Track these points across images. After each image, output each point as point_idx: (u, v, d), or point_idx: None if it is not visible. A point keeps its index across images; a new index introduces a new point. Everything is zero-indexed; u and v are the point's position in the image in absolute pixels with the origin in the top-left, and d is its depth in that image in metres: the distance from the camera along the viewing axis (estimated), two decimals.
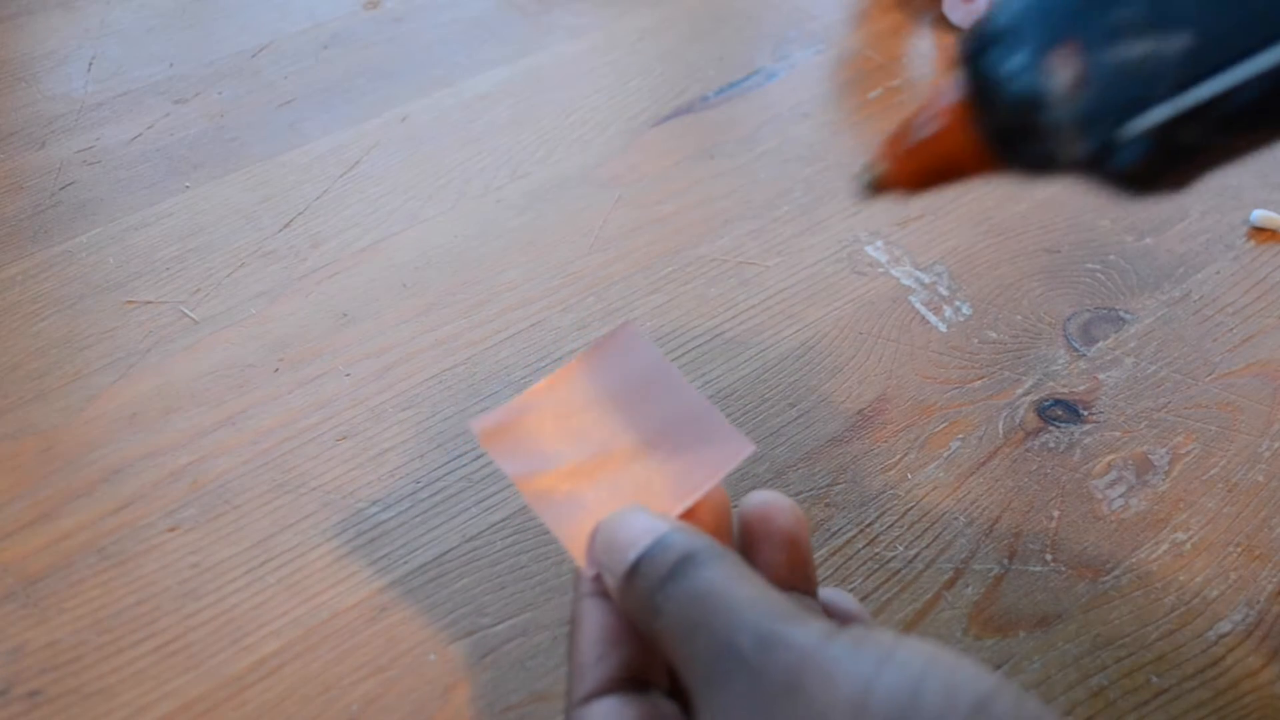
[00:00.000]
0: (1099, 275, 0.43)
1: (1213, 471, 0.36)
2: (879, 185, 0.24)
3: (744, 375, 0.38)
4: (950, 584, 0.32)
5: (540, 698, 0.29)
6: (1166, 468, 0.36)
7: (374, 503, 0.33)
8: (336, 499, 0.34)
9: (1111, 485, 0.35)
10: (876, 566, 0.33)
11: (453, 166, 0.46)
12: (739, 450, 0.25)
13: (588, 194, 0.45)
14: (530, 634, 0.31)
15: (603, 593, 0.23)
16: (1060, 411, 0.38)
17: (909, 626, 0.31)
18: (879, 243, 0.44)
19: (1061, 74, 0.19)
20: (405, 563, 0.32)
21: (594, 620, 0.22)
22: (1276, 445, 0.37)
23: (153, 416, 0.35)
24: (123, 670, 0.29)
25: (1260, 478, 0.36)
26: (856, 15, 0.58)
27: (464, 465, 0.35)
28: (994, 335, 0.40)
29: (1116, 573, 0.33)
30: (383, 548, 0.32)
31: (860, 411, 0.37)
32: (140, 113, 0.48)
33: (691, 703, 0.20)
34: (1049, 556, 0.33)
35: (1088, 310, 0.41)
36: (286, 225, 0.43)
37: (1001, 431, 0.37)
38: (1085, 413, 0.38)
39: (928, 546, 0.33)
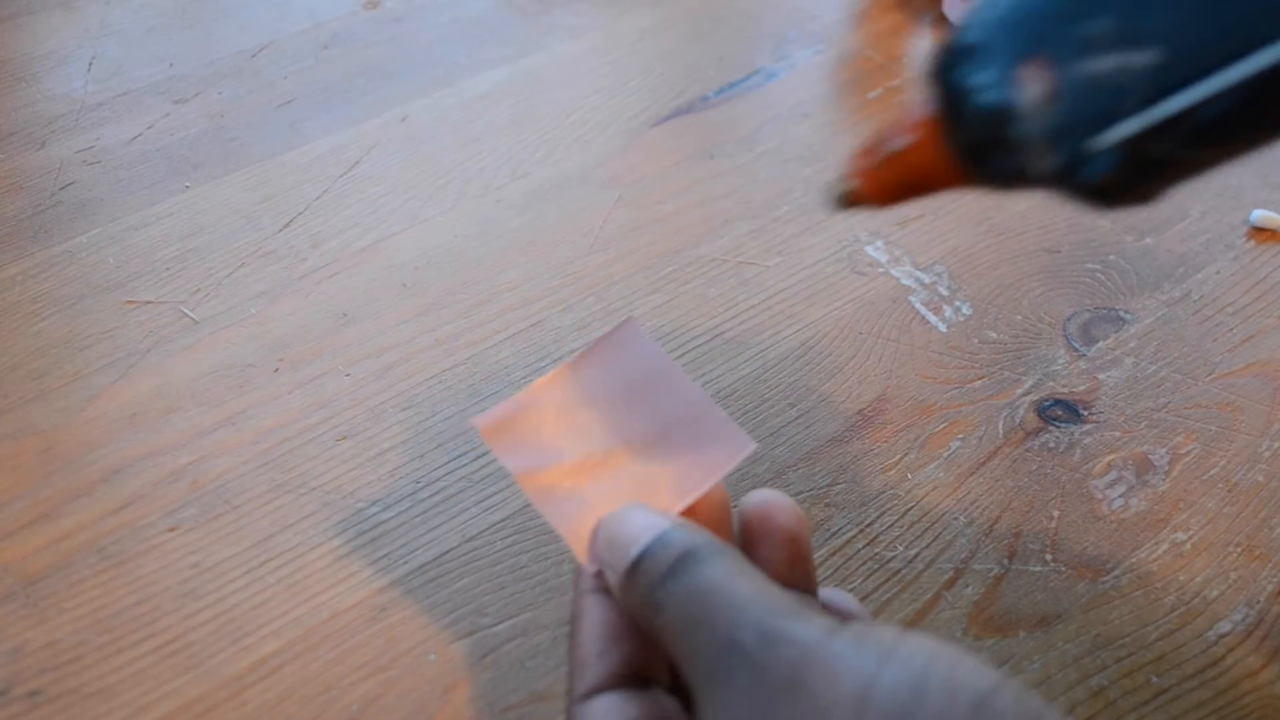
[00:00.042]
0: (1099, 275, 0.43)
1: (1213, 471, 0.36)
2: (850, 199, 0.24)
3: (744, 375, 0.38)
4: (950, 584, 0.32)
5: (540, 698, 0.29)
6: (1166, 468, 0.36)
7: (374, 503, 0.33)
8: (336, 499, 0.34)
9: (1111, 485, 0.35)
10: (876, 566, 0.33)
11: (453, 166, 0.46)
12: (740, 448, 0.25)
13: (588, 194, 0.45)
14: (530, 634, 0.31)
15: (604, 589, 0.23)
16: (1060, 411, 0.38)
17: (909, 626, 0.31)
18: (879, 243, 0.44)
19: (1031, 88, 0.19)
20: (405, 563, 0.32)
21: (595, 616, 0.22)
22: (1276, 445, 0.37)
23: (153, 416, 0.35)
24: (123, 670, 0.29)
25: (1260, 478, 0.36)
26: (856, 15, 0.58)
27: (464, 465, 0.35)
28: (994, 335, 0.40)
29: (1116, 573, 0.33)
30: (383, 548, 0.32)
31: (860, 411, 0.37)
32: (140, 113, 0.48)
33: (693, 699, 0.20)
34: (1049, 556, 0.33)
35: (1088, 310, 0.41)
36: (286, 225, 0.43)
37: (1001, 431, 0.37)
38: (1085, 413, 0.38)
39: (928, 546, 0.33)
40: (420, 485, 0.34)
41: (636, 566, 0.21)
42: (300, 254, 0.42)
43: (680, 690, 0.23)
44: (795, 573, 0.23)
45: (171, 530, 0.32)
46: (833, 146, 0.49)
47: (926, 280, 0.42)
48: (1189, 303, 0.42)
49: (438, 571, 0.32)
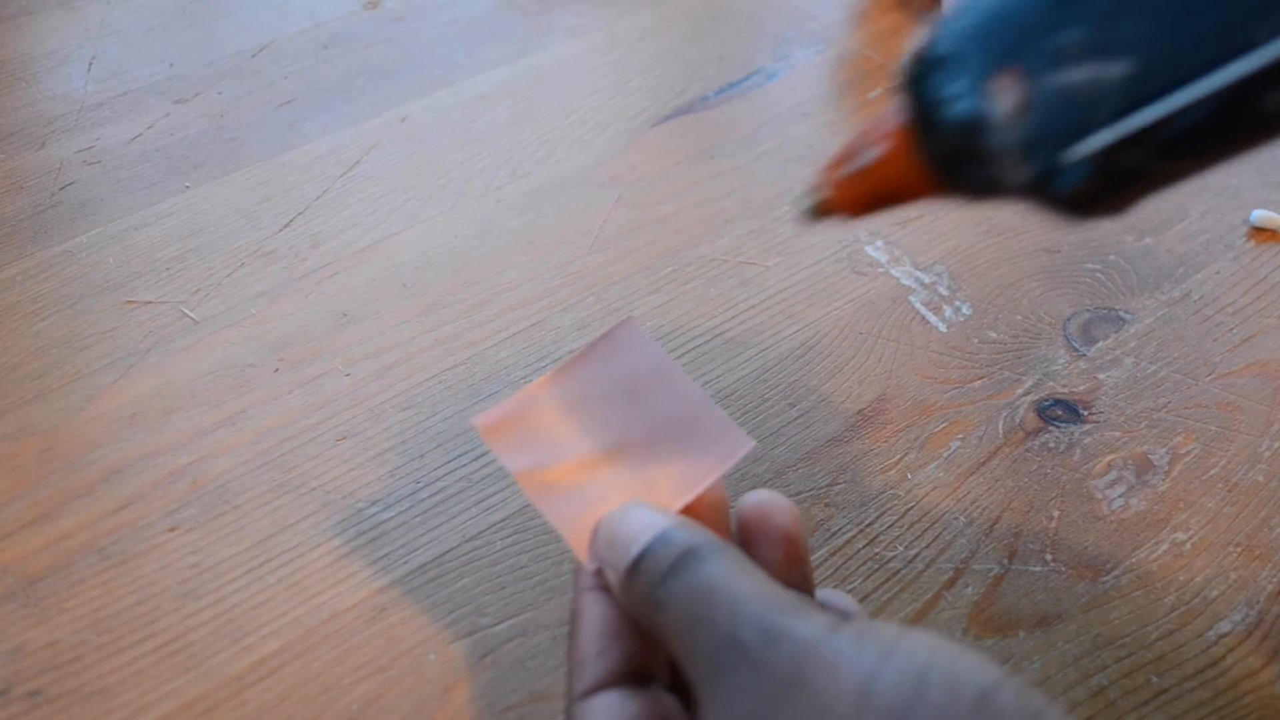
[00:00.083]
0: (1099, 275, 0.43)
1: (1213, 471, 0.36)
2: (821, 210, 0.24)
3: (744, 375, 0.38)
4: (950, 584, 0.32)
5: (540, 698, 0.29)
6: (1166, 468, 0.36)
7: (374, 503, 0.33)
8: (336, 499, 0.34)
9: (1111, 485, 0.35)
10: (876, 566, 0.33)
11: (453, 166, 0.46)
12: (739, 447, 0.25)
13: (588, 194, 0.45)
14: (530, 634, 0.31)
15: (603, 587, 0.23)
16: (1060, 411, 0.38)
17: (909, 626, 0.31)
18: (879, 243, 0.44)
19: (1004, 99, 0.19)
20: (405, 563, 0.32)
21: (595, 614, 0.22)
22: (1276, 445, 0.37)
23: (153, 416, 0.35)
24: (123, 670, 0.29)
25: (1260, 478, 0.36)
26: (856, 15, 0.58)
27: (464, 465, 0.35)
28: (994, 335, 0.40)
29: (1116, 573, 0.33)
30: (383, 548, 0.32)
31: (860, 411, 0.37)
32: (140, 113, 0.48)
33: (694, 696, 0.20)
34: (1049, 556, 0.33)
35: (1088, 310, 0.41)
36: (286, 225, 0.43)
37: (1001, 431, 0.37)
38: (1085, 413, 0.38)
39: (928, 546, 0.33)
40: (420, 485, 0.34)
41: (637, 565, 0.21)
42: (300, 254, 0.42)
43: (680, 688, 0.23)
44: (792, 573, 0.23)
45: (171, 530, 0.32)
46: (833, 146, 0.49)
47: (926, 280, 0.42)
48: (1189, 303, 0.42)
49: (438, 571, 0.32)
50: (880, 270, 0.42)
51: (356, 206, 0.44)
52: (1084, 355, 0.40)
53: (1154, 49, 0.17)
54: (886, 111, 0.22)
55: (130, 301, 0.39)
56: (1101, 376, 0.39)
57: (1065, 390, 0.38)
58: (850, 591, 0.32)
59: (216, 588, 0.31)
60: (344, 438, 0.35)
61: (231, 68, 0.51)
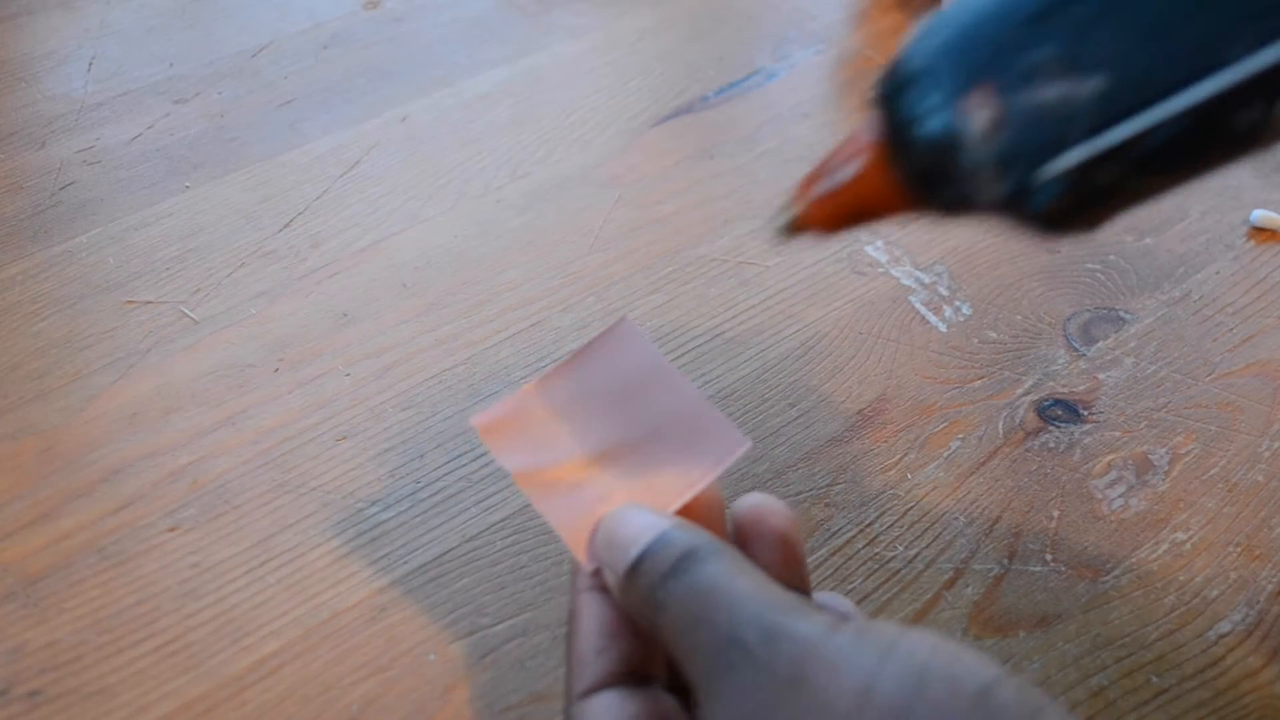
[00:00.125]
0: (1099, 275, 0.43)
1: (1213, 471, 0.36)
2: (796, 226, 0.24)
3: (744, 375, 0.38)
4: (950, 584, 0.32)
5: (540, 698, 0.29)
6: (1166, 468, 0.36)
7: (374, 503, 0.33)
8: (336, 499, 0.34)
9: (1111, 485, 0.35)
10: (876, 566, 0.33)
11: (453, 166, 0.46)
12: (736, 446, 0.25)
13: (588, 194, 0.45)
14: (530, 634, 0.31)
15: (601, 587, 0.23)
16: (1060, 411, 0.38)
17: (908, 626, 0.31)
18: (879, 242, 0.44)
19: (978, 116, 0.19)
20: (405, 563, 0.32)
21: (593, 615, 0.22)
22: (1276, 445, 0.37)
23: (153, 416, 0.35)
24: (123, 670, 0.29)
25: (1260, 478, 0.36)
26: (856, 15, 0.58)
27: (464, 465, 0.35)
28: (994, 335, 0.40)
29: (1116, 573, 0.33)
30: (383, 548, 0.32)
31: (860, 411, 0.37)
32: (140, 113, 0.48)
33: (695, 695, 0.20)
34: (1049, 556, 0.33)
35: (1088, 310, 0.41)
36: (286, 225, 0.43)
37: (1001, 431, 0.37)
38: (1085, 413, 0.38)
39: (928, 546, 0.33)
40: (420, 485, 0.34)
41: (637, 566, 0.21)
42: (300, 254, 0.42)
43: (678, 689, 0.23)
44: (789, 575, 0.23)
45: (171, 530, 0.32)
46: (833, 146, 0.49)
47: (926, 280, 0.42)
48: (1189, 303, 0.42)
49: (438, 571, 0.32)
50: (880, 270, 0.42)
51: (356, 206, 0.44)
52: (1084, 355, 0.40)
53: (1127, 66, 0.17)
54: (860, 128, 0.22)
55: (130, 301, 0.39)
56: (1101, 376, 0.39)
57: (1065, 390, 0.38)
58: (850, 591, 0.32)
59: (216, 588, 0.31)
60: (344, 438, 0.35)
61: (231, 68, 0.51)
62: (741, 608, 0.19)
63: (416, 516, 0.33)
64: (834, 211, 0.23)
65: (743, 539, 0.24)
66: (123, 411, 0.36)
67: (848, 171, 0.22)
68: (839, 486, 0.35)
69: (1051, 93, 0.18)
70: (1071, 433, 0.37)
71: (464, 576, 0.32)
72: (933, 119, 0.19)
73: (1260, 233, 0.45)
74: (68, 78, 0.50)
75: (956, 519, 0.34)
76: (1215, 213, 0.46)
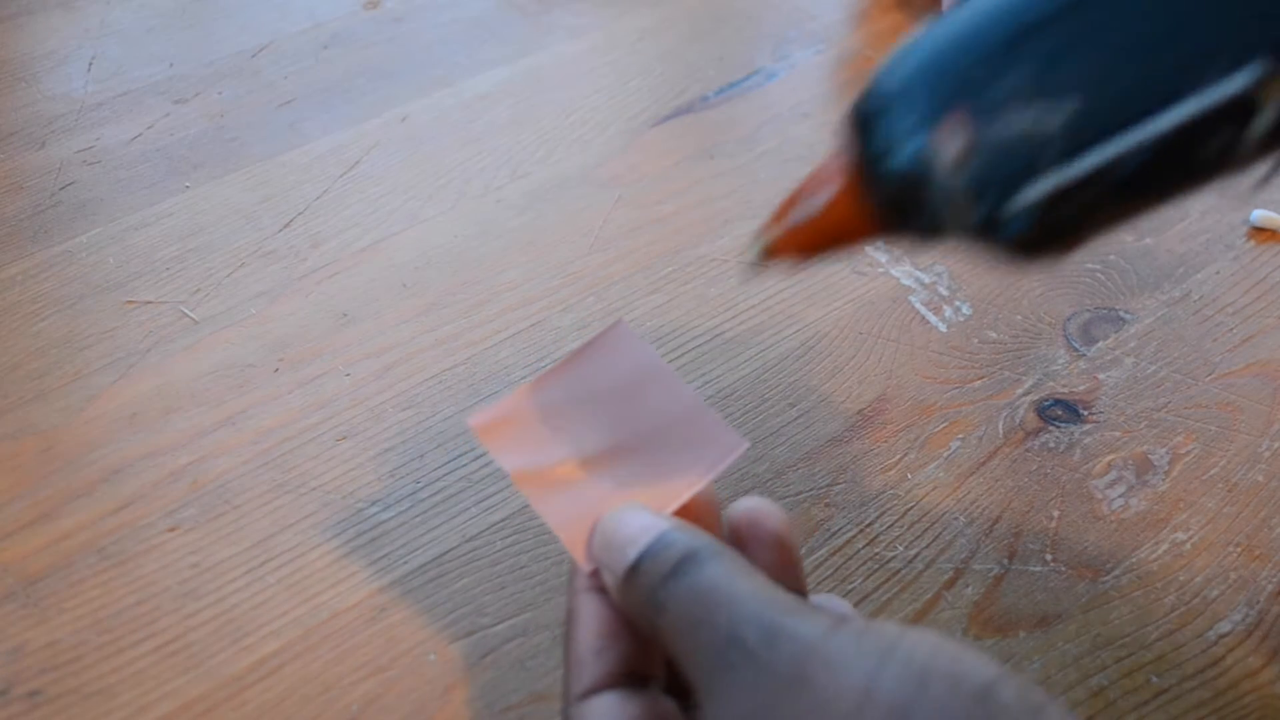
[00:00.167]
0: (1099, 275, 0.43)
1: (1213, 471, 0.36)
2: (769, 254, 0.24)
3: (744, 375, 0.38)
4: (950, 584, 0.32)
5: (540, 698, 0.29)
6: (1166, 468, 0.36)
7: (374, 503, 0.33)
8: (336, 499, 0.34)
9: (1111, 485, 0.35)
10: (876, 566, 0.33)
11: (453, 166, 0.46)
12: (732, 448, 0.25)
13: (588, 194, 0.45)
14: (530, 634, 0.31)
15: (599, 588, 0.23)
16: (1060, 411, 0.38)
17: (908, 626, 0.31)
18: (879, 242, 0.44)
19: (949, 145, 0.19)
20: (405, 563, 0.32)
21: (591, 615, 0.22)
22: (1276, 445, 0.37)
23: (153, 416, 0.35)
24: (123, 670, 0.29)
25: (1260, 478, 0.36)
26: (856, 15, 0.58)
27: (464, 465, 0.35)
28: (994, 335, 0.40)
29: (1116, 573, 0.33)
30: (383, 548, 0.32)
31: (860, 411, 0.37)
32: (140, 113, 0.48)
33: (695, 696, 0.20)
34: (1049, 556, 0.33)
35: (1088, 310, 0.41)
36: (286, 225, 0.43)
37: (1001, 431, 0.37)
38: (1085, 413, 0.38)
39: (928, 546, 0.33)
40: (420, 485, 0.34)
41: (636, 567, 0.21)
42: (300, 254, 0.42)
43: (676, 690, 0.23)
44: (785, 577, 0.23)
45: (171, 530, 0.32)
46: (833, 146, 0.49)
47: (926, 280, 0.42)
48: (1189, 303, 0.42)
49: (438, 571, 0.32)
50: (880, 270, 0.42)
51: (356, 206, 0.44)
52: (1084, 355, 0.40)
53: (1097, 94, 0.18)
54: (831, 156, 0.22)
55: (130, 301, 0.39)
56: (1101, 376, 0.39)
57: (1065, 390, 0.38)
58: (850, 591, 0.32)
59: (216, 588, 0.31)
60: (344, 438, 0.35)
61: (231, 68, 0.51)
62: (742, 608, 0.19)
63: (416, 516, 0.33)
64: (806, 240, 0.23)
65: (739, 541, 0.24)
66: (123, 411, 0.36)
67: (819, 200, 0.22)
68: (839, 486, 0.35)
69: (1022, 121, 0.18)
70: (1071, 433, 0.37)
71: (464, 576, 0.32)
72: (904, 148, 0.19)
73: (1260, 233, 0.45)
74: (68, 78, 0.50)
75: (956, 519, 0.34)
76: (1215, 213, 0.46)
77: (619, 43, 0.55)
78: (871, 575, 0.33)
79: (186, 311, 0.39)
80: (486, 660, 0.30)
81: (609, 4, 0.57)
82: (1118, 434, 0.37)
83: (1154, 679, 0.30)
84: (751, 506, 0.24)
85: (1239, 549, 0.34)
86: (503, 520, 0.33)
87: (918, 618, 0.32)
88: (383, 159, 0.47)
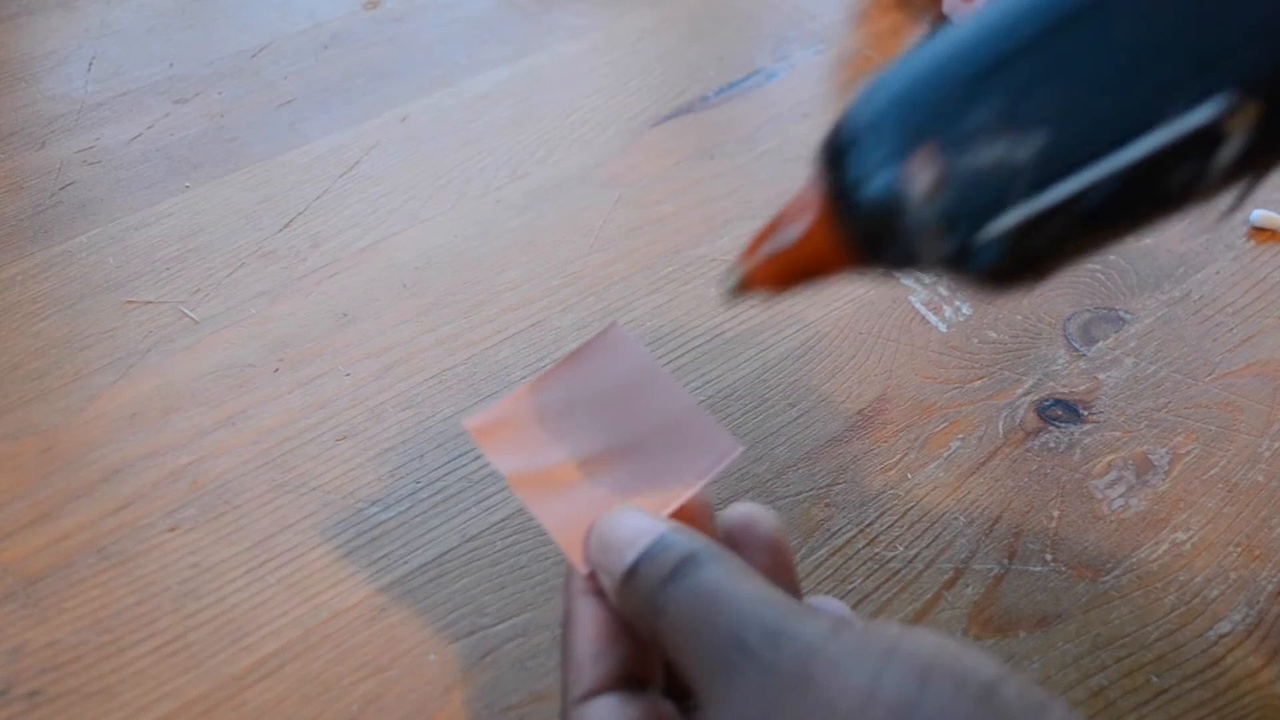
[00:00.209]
0: (1099, 275, 0.43)
1: (1213, 471, 0.36)
2: (743, 286, 0.24)
3: (744, 375, 0.38)
4: (950, 584, 0.32)
5: (540, 698, 0.29)
6: (1166, 468, 0.36)
7: (374, 503, 0.33)
8: (336, 499, 0.34)
9: (1111, 485, 0.35)
10: (876, 566, 0.33)
11: (453, 166, 0.46)
12: (728, 451, 0.25)
13: (588, 194, 0.45)
14: (530, 634, 0.31)
15: (597, 591, 0.23)
16: (1060, 411, 0.38)
17: (909, 626, 0.31)
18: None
19: (920, 177, 0.19)
20: (405, 563, 0.32)
21: (589, 618, 0.22)
22: (1276, 445, 0.37)
23: (153, 416, 0.35)
24: (123, 670, 0.29)
25: (1260, 478, 0.36)
26: (856, 15, 0.58)
27: (464, 465, 0.35)
28: (994, 335, 0.40)
29: (1116, 573, 0.33)
30: (383, 548, 0.32)
31: (860, 411, 0.37)
32: (140, 113, 0.48)
33: (697, 699, 0.20)
34: (1049, 556, 0.33)
35: (1088, 310, 0.41)
36: (286, 225, 0.43)
37: (1001, 431, 0.37)
38: (1085, 413, 0.38)
39: (928, 546, 0.33)
40: (420, 485, 0.34)
41: (634, 570, 0.21)
42: (300, 254, 0.42)
43: (674, 694, 0.23)
44: (779, 581, 0.23)
45: (171, 530, 0.32)
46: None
47: (927, 280, 0.42)
48: (1189, 303, 0.42)
49: (438, 571, 0.32)
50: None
51: (356, 206, 0.44)
52: (1084, 355, 0.40)
53: (1065, 126, 0.18)
54: (805, 189, 0.22)
55: (130, 301, 0.39)
56: (1101, 376, 0.39)
57: (1065, 390, 0.38)
58: (850, 591, 0.32)
59: (216, 588, 0.31)
60: (344, 438, 0.35)
61: (231, 68, 0.51)
62: (744, 610, 0.19)
63: (416, 516, 0.33)
64: (780, 271, 0.23)
65: (733, 545, 0.24)
66: (123, 411, 0.36)
67: (793, 232, 0.22)
68: (839, 486, 0.35)
69: (992, 153, 0.18)
70: (1071, 433, 0.37)
71: (464, 576, 0.32)
72: (876, 180, 0.20)
73: (1260, 233, 0.45)
74: (68, 78, 0.50)
75: (956, 519, 0.34)
76: (1215, 212, 0.46)
77: (619, 43, 0.55)
78: (871, 575, 0.33)
79: (186, 311, 0.39)
80: (486, 660, 0.30)
81: (609, 4, 0.57)
82: (1118, 434, 0.37)
83: (1154, 679, 0.30)
84: (745, 511, 0.24)
85: (1239, 549, 0.34)
86: (503, 520, 0.33)
87: (918, 618, 0.32)
88: (383, 159, 0.47)
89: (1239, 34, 0.16)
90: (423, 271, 0.41)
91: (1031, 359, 0.39)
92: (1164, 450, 0.36)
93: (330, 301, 0.40)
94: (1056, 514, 0.34)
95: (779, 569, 0.23)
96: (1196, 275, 0.43)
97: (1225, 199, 0.19)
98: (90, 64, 0.51)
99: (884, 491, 0.35)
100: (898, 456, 0.36)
